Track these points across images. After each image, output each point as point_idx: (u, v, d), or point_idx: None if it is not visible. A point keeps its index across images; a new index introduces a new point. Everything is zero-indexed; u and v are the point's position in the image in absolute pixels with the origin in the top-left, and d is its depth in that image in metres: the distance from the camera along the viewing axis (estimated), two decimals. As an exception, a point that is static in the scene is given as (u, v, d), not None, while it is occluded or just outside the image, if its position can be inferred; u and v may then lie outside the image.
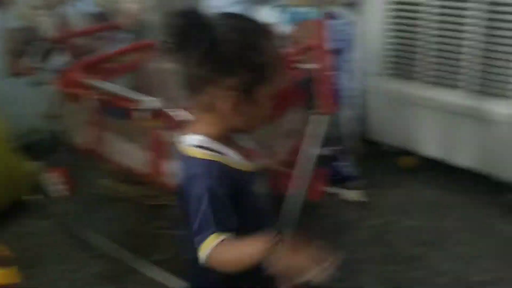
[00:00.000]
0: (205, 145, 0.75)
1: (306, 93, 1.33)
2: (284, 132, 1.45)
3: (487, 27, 1.39)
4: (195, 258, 0.72)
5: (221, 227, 0.71)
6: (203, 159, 0.74)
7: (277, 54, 0.75)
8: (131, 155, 1.58)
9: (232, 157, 0.76)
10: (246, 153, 0.79)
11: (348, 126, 1.75)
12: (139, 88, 1.66)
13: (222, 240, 0.70)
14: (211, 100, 0.72)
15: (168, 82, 1.64)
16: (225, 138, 0.77)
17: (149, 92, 1.67)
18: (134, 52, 1.62)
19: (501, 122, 1.48)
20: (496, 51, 1.40)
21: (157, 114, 1.36)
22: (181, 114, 1.29)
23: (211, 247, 0.70)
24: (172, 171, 1.45)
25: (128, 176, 1.67)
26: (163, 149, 1.42)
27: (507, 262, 1.41)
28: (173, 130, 1.37)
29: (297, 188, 1.29)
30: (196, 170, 0.73)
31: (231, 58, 0.71)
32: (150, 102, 1.35)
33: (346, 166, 1.70)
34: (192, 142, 0.75)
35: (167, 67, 1.60)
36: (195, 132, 0.76)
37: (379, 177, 1.82)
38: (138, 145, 1.55)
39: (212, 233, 0.70)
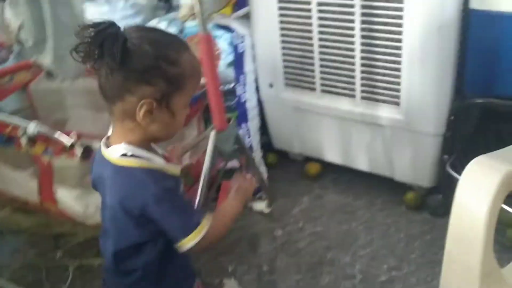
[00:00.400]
0: (132, 153, 0.77)
1: (198, 109, 1.31)
2: (184, 146, 1.42)
3: (369, 37, 1.45)
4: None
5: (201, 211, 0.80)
6: (140, 167, 0.76)
7: (191, 64, 0.77)
8: (19, 183, 1.47)
9: (160, 163, 0.80)
10: (165, 159, 0.83)
11: (253, 138, 1.76)
12: (24, 110, 1.57)
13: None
14: (128, 108, 0.75)
15: (55, 103, 1.56)
16: (147, 145, 0.80)
17: (34, 115, 1.58)
18: (18, 72, 1.51)
19: (388, 126, 1.55)
20: (378, 60, 1.47)
21: (43, 139, 1.27)
22: (67, 137, 1.22)
23: (207, 228, 0.77)
24: (63, 197, 1.38)
25: (21, 206, 1.55)
26: (52, 176, 1.34)
27: (410, 259, 1.47)
28: (61, 155, 1.30)
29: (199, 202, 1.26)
30: (141, 177, 0.76)
31: (145, 68, 0.73)
32: (34, 126, 1.26)
33: (256, 175, 1.69)
34: (120, 152, 0.77)
35: (53, 87, 1.52)
36: (116, 143, 0.78)
37: (286, 186, 1.84)
38: (27, 173, 1.45)
39: (202, 216, 0.78)
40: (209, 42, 1.17)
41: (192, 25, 1.62)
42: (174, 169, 0.81)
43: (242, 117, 1.72)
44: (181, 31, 1.59)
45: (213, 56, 1.19)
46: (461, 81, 1.39)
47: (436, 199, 1.58)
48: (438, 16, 1.31)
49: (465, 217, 0.81)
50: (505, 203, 1.48)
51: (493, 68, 1.31)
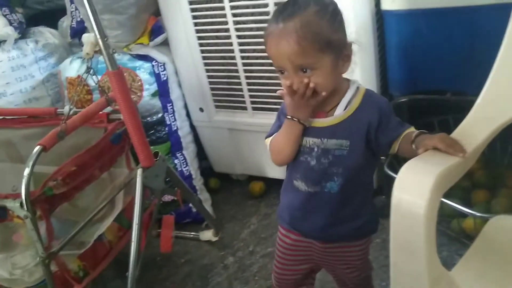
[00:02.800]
0: None
1: (123, 146, 1.24)
2: (113, 187, 1.34)
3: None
4: None
5: None
6: None
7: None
8: None
9: None
10: None
11: (190, 166, 1.69)
12: None
13: None
14: None
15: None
16: None
17: None
18: None
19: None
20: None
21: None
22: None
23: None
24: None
25: None
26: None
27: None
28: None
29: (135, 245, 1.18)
30: None
31: None
32: None
33: (195, 206, 1.63)
34: None
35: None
36: None
37: (232, 209, 1.79)
38: None
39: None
40: (120, 77, 1.10)
41: (116, 58, 1.54)
42: None
43: (176, 146, 1.66)
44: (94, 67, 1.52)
45: (127, 92, 1.12)
46: (385, 83, 1.40)
47: (380, 200, 1.58)
48: (352, 20, 1.31)
49: (404, 225, 0.79)
50: (447, 194, 1.50)
51: (412, 65, 1.33)
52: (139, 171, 1.17)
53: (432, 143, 0.85)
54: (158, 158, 1.21)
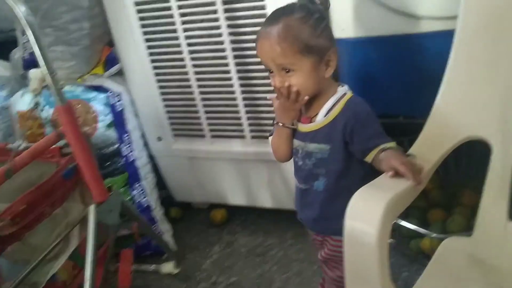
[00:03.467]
0: None
1: (77, 181, 1.21)
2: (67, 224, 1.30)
3: (246, 78, 1.45)
4: None
5: None
6: None
7: None
8: None
9: None
10: None
11: (149, 196, 1.66)
12: None
13: None
14: None
15: None
16: None
17: None
18: None
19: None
20: (259, 99, 1.47)
21: None
22: None
23: None
24: None
25: None
26: None
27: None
28: None
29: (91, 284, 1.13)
30: None
31: None
32: None
33: (154, 239, 1.59)
34: None
35: None
36: None
37: (193, 239, 1.76)
38: None
39: None
40: (69, 112, 1.08)
41: (69, 90, 1.53)
42: None
43: (134, 177, 1.63)
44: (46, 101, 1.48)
45: (76, 126, 1.10)
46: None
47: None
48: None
49: (357, 253, 0.80)
50: (405, 214, 1.52)
51: (364, 91, 1.35)
52: (91, 207, 1.14)
53: (393, 165, 0.86)
54: (112, 193, 1.18)
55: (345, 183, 0.98)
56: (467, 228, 1.35)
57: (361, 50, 1.30)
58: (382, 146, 0.92)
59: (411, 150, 1.02)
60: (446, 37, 1.06)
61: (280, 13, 0.96)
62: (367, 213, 0.78)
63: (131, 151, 1.62)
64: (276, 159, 1.13)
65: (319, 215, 1.04)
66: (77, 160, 1.14)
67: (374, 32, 1.26)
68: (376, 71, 1.30)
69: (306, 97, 0.96)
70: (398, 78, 1.27)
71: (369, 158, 0.94)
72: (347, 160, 0.99)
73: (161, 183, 1.79)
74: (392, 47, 1.26)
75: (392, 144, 0.93)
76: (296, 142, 1.05)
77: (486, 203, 1.01)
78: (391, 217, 0.83)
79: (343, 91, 1.00)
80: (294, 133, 1.04)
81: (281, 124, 1.04)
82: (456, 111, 1.02)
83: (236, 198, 1.73)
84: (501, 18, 0.99)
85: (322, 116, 0.99)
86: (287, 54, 0.93)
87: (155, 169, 1.76)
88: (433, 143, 1.03)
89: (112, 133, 1.59)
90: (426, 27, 1.20)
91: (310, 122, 1.01)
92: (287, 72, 0.94)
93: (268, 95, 1.04)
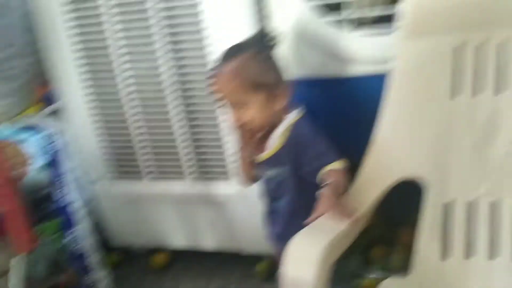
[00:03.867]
0: None
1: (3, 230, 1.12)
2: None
3: (187, 119, 1.43)
4: None
5: None
6: None
7: None
8: None
9: None
10: None
11: (84, 242, 1.57)
12: None
13: None
14: None
15: None
16: None
17: None
18: None
19: (224, 201, 1.52)
20: (200, 140, 1.45)
21: None
22: None
23: None
24: None
25: None
26: None
27: None
28: None
29: None
30: None
31: None
32: None
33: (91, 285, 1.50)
34: None
35: None
36: None
37: (134, 286, 1.68)
38: None
39: None
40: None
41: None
42: None
43: (68, 223, 1.53)
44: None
45: (4, 169, 1.03)
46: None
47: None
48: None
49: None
50: (347, 252, 1.51)
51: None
52: (16, 259, 1.06)
53: (323, 210, 0.87)
54: (40, 242, 1.10)
55: (306, 199, 0.99)
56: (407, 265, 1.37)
57: (297, 92, 1.32)
58: (327, 169, 0.98)
59: (351, 190, 1.03)
60: (380, 79, 1.10)
61: (233, 51, 1.03)
62: (304, 260, 0.77)
63: (65, 195, 1.54)
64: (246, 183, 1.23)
65: (282, 232, 1.12)
66: (3, 207, 1.06)
67: (310, 73, 1.28)
68: (311, 113, 1.32)
69: (259, 134, 1.06)
70: (335, 120, 1.29)
71: (319, 181, 0.98)
72: (304, 180, 1.05)
73: (98, 227, 1.70)
74: (328, 90, 1.29)
75: (335, 164, 0.99)
76: (259, 170, 1.14)
77: (420, 243, 1.02)
78: (329, 262, 0.82)
79: (291, 116, 1.07)
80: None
81: (241, 159, 1.15)
82: (390, 152, 1.05)
83: (178, 241, 1.67)
84: (429, 62, 1.04)
85: (273, 144, 1.07)
86: (238, 91, 1.00)
87: (92, 212, 1.67)
88: (370, 184, 1.05)
89: (45, 176, 1.50)
90: (362, 70, 1.24)
91: (266, 151, 1.09)
92: (241, 107, 1.02)
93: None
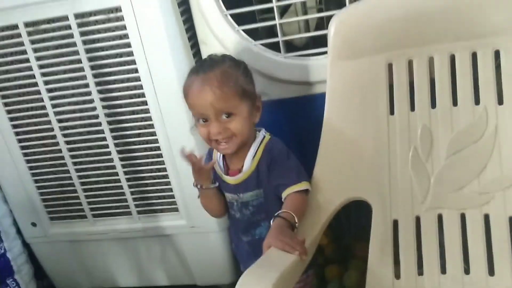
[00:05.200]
0: None
1: None
2: None
3: (126, 151, 1.37)
4: None
5: None
6: None
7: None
8: None
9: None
10: None
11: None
12: None
13: None
14: None
15: None
16: None
17: None
18: None
19: (174, 234, 1.47)
20: (143, 172, 1.39)
21: None
22: None
23: None
24: None
25: None
26: None
27: None
28: None
29: None
30: None
31: None
32: None
33: None
34: None
35: None
36: None
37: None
38: None
39: None
40: None
41: None
42: None
43: (6, 272, 1.43)
44: None
45: None
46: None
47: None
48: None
49: None
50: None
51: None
52: None
53: (269, 243, 0.85)
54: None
55: None
56: (364, 282, 1.37)
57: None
58: (288, 191, 0.96)
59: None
60: (320, 100, 1.09)
61: (212, 62, 1.00)
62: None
63: (0, 242, 1.43)
64: (212, 217, 1.16)
65: None
66: None
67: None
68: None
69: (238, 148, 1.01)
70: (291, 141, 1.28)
71: (283, 199, 0.97)
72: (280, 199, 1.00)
73: (40, 273, 1.60)
74: (267, 112, 1.27)
75: (299, 185, 0.97)
76: (229, 196, 1.07)
77: (373, 262, 1.02)
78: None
79: (262, 135, 1.04)
80: (224, 186, 1.07)
81: (199, 187, 1.06)
82: (333, 174, 1.04)
83: (128, 279, 1.60)
84: (364, 81, 1.04)
85: (248, 165, 1.02)
86: (229, 97, 0.95)
87: (32, 258, 1.57)
88: (316, 207, 1.03)
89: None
90: (300, 91, 1.24)
91: (239, 173, 1.03)
92: (227, 117, 0.96)
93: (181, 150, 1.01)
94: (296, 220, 0.90)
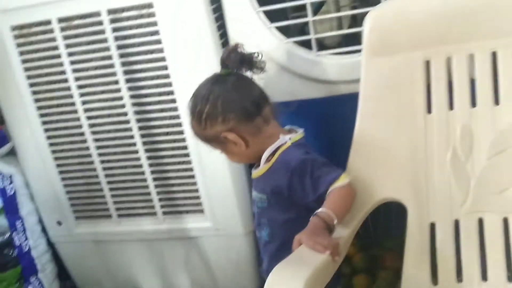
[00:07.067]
0: None
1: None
2: None
3: (154, 150, 1.36)
4: None
5: None
6: None
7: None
8: None
9: None
10: None
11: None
12: None
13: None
14: None
15: None
16: None
17: None
18: None
19: (198, 236, 1.44)
20: (170, 171, 1.37)
21: None
22: None
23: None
24: None
25: None
26: None
27: None
28: None
29: None
30: None
31: None
32: None
33: None
34: None
35: None
36: None
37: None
38: None
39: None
40: None
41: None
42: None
43: (29, 270, 1.43)
44: None
45: None
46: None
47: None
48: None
49: None
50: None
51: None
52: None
53: (300, 240, 0.82)
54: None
55: (289, 234, 0.89)
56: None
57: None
58: (331, 188, 0.91)
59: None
60: (354, 100, 1.06)
61: (190, 107, 1.01)
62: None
63: (25, 240, 1.43)
64: None
65: (267, 268, 1.02)
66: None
67: (280, 97, 1.24)
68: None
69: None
70: (314, 141, 1.25)
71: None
72: (286, 211, 0.99)
73: (63, 273, 1.59)
74: (299, 112, 1.25)
75: (339, 180, 0.91)
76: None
77: (408, 268, 0.97)
78: (314, 293, 0.75)
79: (282, 141, 0.99)
80: None
81: None
82: (367, 174, 1.00)
83: (150, 282, 1.57)
84: (400, 79, 1.01)
85: (262, 164, 1.00)
86: (205, 143, 1.03)
87: (56, 257, 1.57)
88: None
89: (2, 221, 1.40)
90: (333, 91, 1.21)
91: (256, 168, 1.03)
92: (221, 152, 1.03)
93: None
94: (335, 222, 0.86)
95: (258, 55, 1.01)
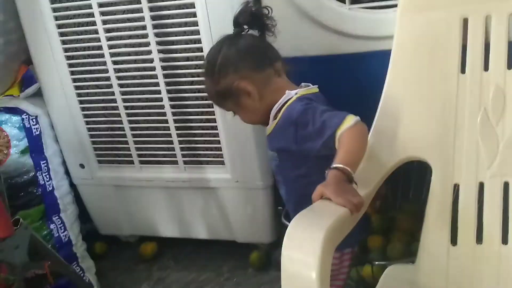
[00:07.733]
0: None
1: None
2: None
3: (178, 99, 1.36)
4: None
5: None
6: None
7: None
8: None
9: None
10: None
11: (70, 230, 1.50)
12: None
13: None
14: None
15: None
16: None
17: None
18: None
19: (217, 187, 1.46)
20: (193, 121, 1.38)
21: None
22: None
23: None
24: None
25: None
26: None
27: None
28: None
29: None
30: None
31: None
32: None
33: (73, 279, 1.42)
34: None
35: None
36: None
37: (120, 277, 1.61)
38: None
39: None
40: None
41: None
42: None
43: (52, 209, 1.46)
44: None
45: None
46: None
47: (280, 253, 1.51)
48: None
49: (297, 285, 0.71)
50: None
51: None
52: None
53: (322, 193, 0.80)
54: (19, 226, 1.03)
55: (303, 190, 0.89)
56: (407, 255, 1.32)
57: (297, 70, 1.25)
58: (339, 133, 0.87)
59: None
60: (383, 56, 1.04)
61: (207, 67, 1.02)
62: (306, 243, 0.70)
63: (49, 180, 1.46)
64: None
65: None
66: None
67: (310, 52, 1.22)
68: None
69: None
70: (336, 98, 1.23)
71: (336, 145, 0.88)
72: (296, 167, 0.99)
73: (84, 215, 1.63)
74: (328, 67, 1.23)
75: (344, 123, 0.87)
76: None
77: (428, 228, 0.96)
78: (332, 246, 0.75)
79: (288, 96, 0.98)
80: None
81: None
82: (394, 131, 0.98)
83: (168, 229, 1.61)
84: (435, 37, 0.97)
85: (271, 122, 1.00)
86: (217, 104, 1.07)
87: (78, 199, 1.60)
88: (373, 165, 0.98)
89: (28, 160, 1.42)
90: (364, 47, 1.18)
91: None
92: (234, 114, 1.05)
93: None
94: (352, 173, 0.85)
95: (268, 12, 1.01)
